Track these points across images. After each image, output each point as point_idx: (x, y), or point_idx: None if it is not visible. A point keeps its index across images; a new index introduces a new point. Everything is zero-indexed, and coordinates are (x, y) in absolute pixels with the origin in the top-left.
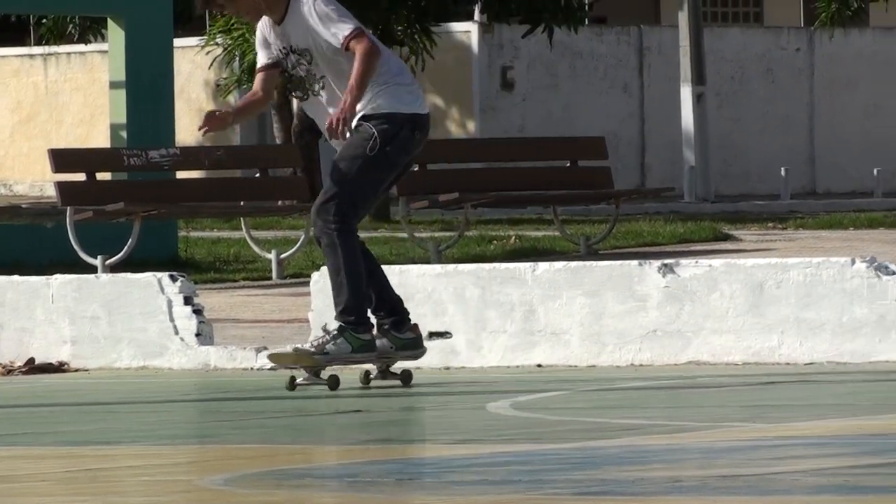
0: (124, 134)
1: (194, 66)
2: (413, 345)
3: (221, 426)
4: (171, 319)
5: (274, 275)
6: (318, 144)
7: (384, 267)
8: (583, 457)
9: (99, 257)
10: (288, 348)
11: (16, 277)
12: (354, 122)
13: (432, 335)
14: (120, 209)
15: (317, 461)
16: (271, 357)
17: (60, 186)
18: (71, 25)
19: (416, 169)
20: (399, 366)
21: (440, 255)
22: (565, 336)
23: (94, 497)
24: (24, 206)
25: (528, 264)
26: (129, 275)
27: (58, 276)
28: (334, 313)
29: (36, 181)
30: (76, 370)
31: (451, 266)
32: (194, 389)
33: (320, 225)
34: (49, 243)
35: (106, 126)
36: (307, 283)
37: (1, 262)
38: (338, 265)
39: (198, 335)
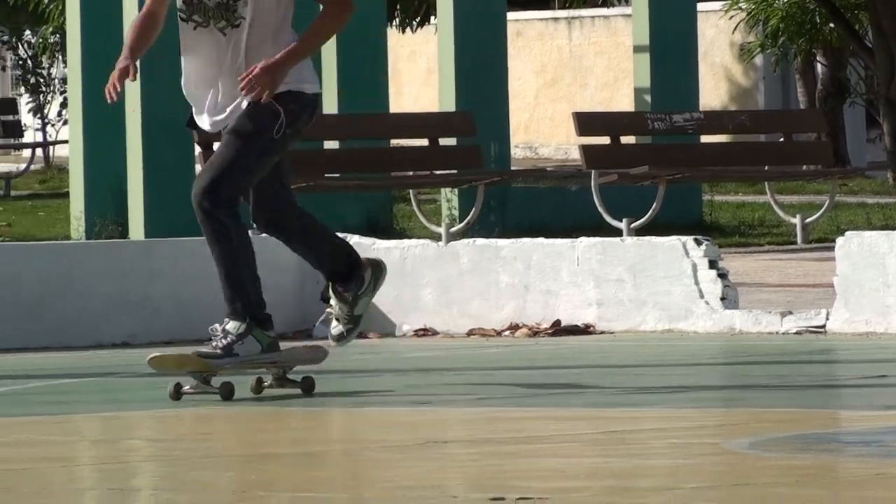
0: (648, 98)
1: (718, 30)
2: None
3: (747, 390)
4: (696, 283)
5: (798, 239)
6: (843, 110)
7: None
8: None
9: (624, 220)
10: (188, 352)
11: (541, 240)
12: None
13: None
14: (644, 173)
15: (842, 426)
16: (151, 361)
17: (585, 149)
18: None
19: None
20: (300, 371)
21: None
22: None
23: (621, 459)
24: (548, 168)
25: None
26: (653, 238)
27: (583, 238)
28: (229, 310)
29: (560, 144)
30: (601, 332)
31: None
32: (719, 353)
33: (208, 209)
34: (573, 206)
35: (629, 89)
36: (832, 248)
37: (526, 225)
38: (233, 255)
39: (723, 299)
